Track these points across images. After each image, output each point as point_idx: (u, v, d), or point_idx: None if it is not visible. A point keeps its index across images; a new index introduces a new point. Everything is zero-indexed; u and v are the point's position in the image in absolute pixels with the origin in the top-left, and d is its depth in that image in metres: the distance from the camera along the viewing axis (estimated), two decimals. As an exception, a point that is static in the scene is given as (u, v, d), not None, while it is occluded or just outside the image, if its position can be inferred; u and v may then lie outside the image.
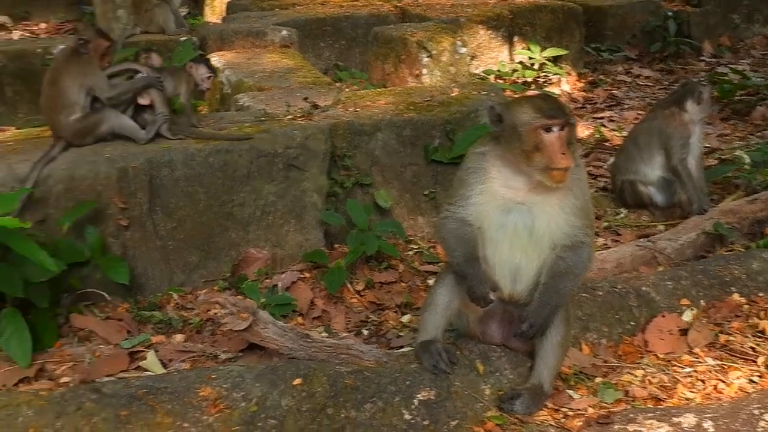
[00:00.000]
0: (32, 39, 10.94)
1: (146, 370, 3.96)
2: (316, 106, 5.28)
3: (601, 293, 4.11)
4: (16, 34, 11.54)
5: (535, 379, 3.52)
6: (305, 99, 5.45)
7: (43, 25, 12.12)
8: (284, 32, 7.87)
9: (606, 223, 5.52)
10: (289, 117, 5.05)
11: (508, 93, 7.38)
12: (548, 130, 3.26)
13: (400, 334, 4.31)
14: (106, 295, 4.41)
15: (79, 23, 12.11)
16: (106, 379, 3.84)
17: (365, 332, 4.36)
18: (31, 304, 4.06)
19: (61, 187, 4.34)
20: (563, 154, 3.25)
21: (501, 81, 8.24)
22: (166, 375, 3.59)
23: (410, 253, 5.01)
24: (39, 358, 4.01)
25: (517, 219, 3.38)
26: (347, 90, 6.40)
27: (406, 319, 4.46)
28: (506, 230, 3.40)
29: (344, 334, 4.29)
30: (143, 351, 4.11)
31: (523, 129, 3.28)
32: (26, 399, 3.25)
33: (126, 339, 4.21)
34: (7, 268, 3.92)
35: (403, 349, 3.95)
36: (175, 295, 4.57)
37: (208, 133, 4.74)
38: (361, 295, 4.65)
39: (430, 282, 4.68)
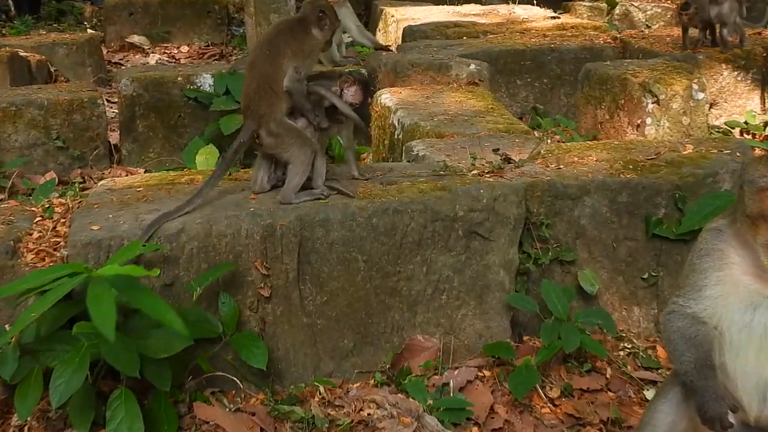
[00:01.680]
0: (172, 65, 11.55)
1: (281, 479, 4.00)
2: (508, 160, 5.27)
3: None
4: (153, 58, 12.19)
5: None
6: (495, 150, 5.45)
7: (185, 49, 12.74)
8: (472, 66, 7.95)
9: None
10: (475, 172, 5.06)
11: (758, 152, 7.15)
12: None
13: (604, 458, 4.19)
14: (238, 382, 4.50)
15: (225, 47, 12.66)
16: (232, 486, 3.90)
17: (558, 453, 4.27)
18: (148, 386, 4.19)
19: (195, 244, 4.48)
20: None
21: (749, 136, 8.01)
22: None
23: (621, 353, 4.89)
24: (154, 453, 4.12)
25: (767, 318, 3.25)
26: (549, 141, 6.37)
27: (612, 439, 4.34)
28: (752, 332, 3.26)
29: (531, 453, 4.21)
30: (278, 454, 4.17)
31: (748, 189, 3.19)
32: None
33: (259, 438, 4.27)
34: (123, 340, 4.04)
35: (606, 479, 3.83)
36: (321, 388, 4.61)
37: (344, 189, 4.80)
38: (555, 405, 4.56)
39: (648, 394, 4.56)
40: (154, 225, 4.44)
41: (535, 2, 12.49)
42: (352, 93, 4.87)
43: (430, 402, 4.39)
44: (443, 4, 12.60)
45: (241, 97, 4.93)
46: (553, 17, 11.12)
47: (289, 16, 4.98)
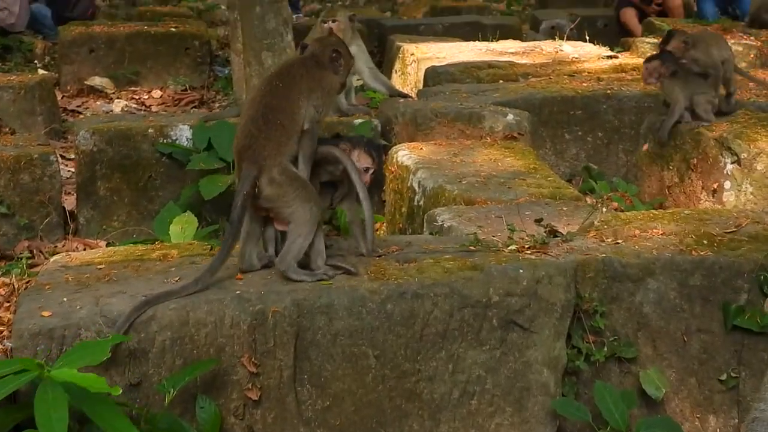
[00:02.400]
0: (141, 113, 11.62)
1: None
2: (554, 233, 5.30)
3: None
4: (118, 105, 12.26)
5: None
6: (538, 221, 5.48)
7: (157, 93, 12.80)
8: (510, 116, 8.01)
9: None
10: (513, 248, 5.09)
11: None
12: None
13: None
14: (220, 506, 4.51)
15: (207, 91, 12.75)
16: None
17: None
18: None
19: (168, 335, 4.51)
20: None
21: None
22: None
23: (694, 474, 4.88)
24: None
25: None
26: (604, 209, 6.40)
27: None
28: None
29: None
30: None
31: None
32: None
33: None
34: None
35: None
36: None
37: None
38: None
39: None
40: (143, 307, 4.47)
41: (587, 38, 12.57)
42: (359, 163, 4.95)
43: None
44: (475, 40, 12.67)
45: (237, 136, 4.90)
46: (610, 57, 11.15)
47: (295, 56, 5.05)
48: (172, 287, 4.63)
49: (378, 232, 7.12)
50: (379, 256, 5.02)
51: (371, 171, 4.99)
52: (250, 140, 4.78)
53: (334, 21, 8.91)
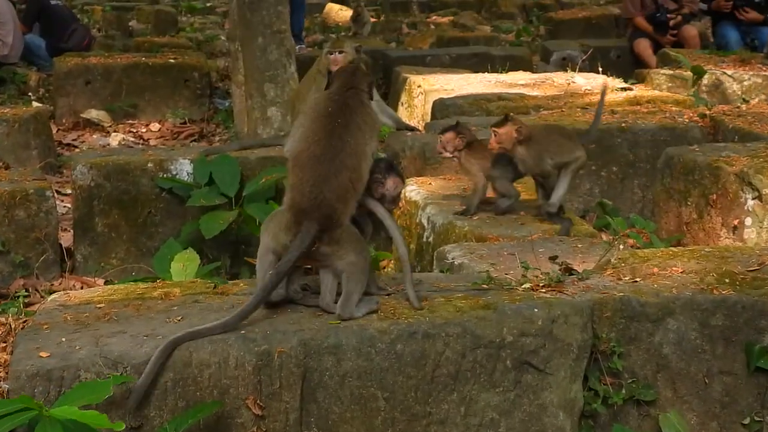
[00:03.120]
0: (139, 147, 11.65)
1: None
2: (569, 271, 5.30)
3: None
4: (115, 139, 12.30)
5: None
6: (553, 258, 5.48)
7: (155, 127, 12.84)
8: (522, 150, 8.01)
9: None
10: (527, 286, 5.09)
11: None
12: None
13: None
14: None
15: (207, 124, 12.77)
16: None
17: None
18: None
19: (171, 376, 4.49)
20: None
21: None
22: None
23: None
24: None
25: None
26: (620, 246, 6.40)
27: None
28: None
29: None
30: None
31: None
32: None
33: None
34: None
35: None
36: None
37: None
38: None
39: None
40: (171, 348, 4.45)
41: (600, 70, 12.59)
42: (393, 192, 4.98)
43: None
44: (483, 72, 12.69)
45: (301, 192, 4.76)
46: (624, 89, 11.12)
47: (326, 92, 4.91)
48: (198, 327, 4.59)
49: (386, 270, 7.12)
50: (388, 295, 5.02)
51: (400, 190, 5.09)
52: (319, 200, 4.70)
53: (341, 52, 8.94)
